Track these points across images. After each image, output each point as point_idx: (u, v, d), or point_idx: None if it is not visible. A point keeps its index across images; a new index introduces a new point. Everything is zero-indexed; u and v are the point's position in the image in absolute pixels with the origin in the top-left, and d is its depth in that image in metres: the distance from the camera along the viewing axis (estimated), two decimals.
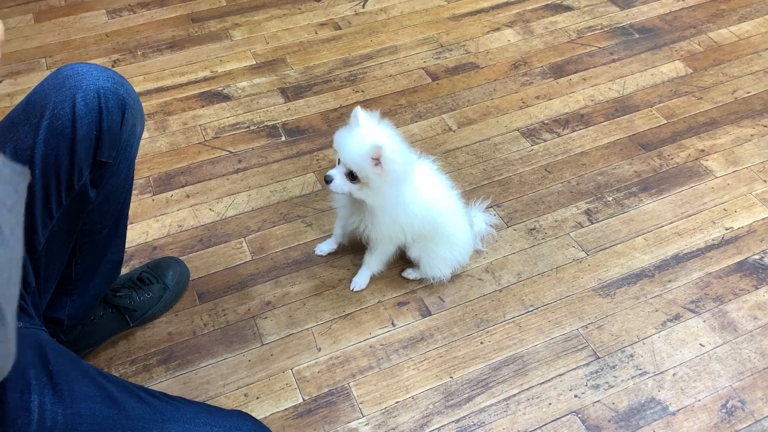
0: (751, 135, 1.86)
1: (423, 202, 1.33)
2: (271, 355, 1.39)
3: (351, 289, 1.48)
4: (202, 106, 1.98)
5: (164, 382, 1.34)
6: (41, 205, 1.07)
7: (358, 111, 1.25)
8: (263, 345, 1.41)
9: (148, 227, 1.64)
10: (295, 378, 1.35)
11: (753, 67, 2.08)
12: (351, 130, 1.25)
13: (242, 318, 1.46)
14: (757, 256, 1.56)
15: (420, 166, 1.36)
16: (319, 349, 1.40)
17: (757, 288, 1.49)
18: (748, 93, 1.99)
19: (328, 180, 1.27)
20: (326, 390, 1.33)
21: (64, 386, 0.90)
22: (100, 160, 1.09)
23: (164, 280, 1.45)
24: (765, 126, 1.88)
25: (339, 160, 1.26)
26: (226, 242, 1.61)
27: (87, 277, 1.24)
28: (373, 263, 1.45)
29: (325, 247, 1.56)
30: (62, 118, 1.03)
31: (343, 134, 1.26)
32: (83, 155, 1.06)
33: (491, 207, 1.65)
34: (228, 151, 1.84)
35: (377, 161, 1.22)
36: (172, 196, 1.72)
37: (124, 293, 1.39)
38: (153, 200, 1.70)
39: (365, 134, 1.23)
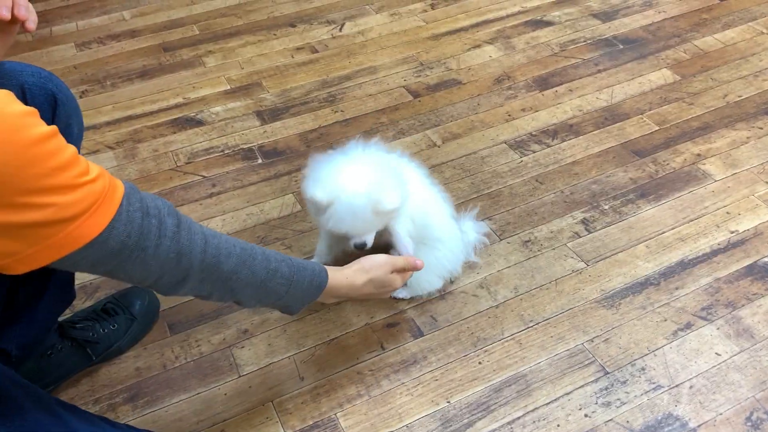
0: (748, 137, 1.79)
1: (415, 202, 1.25)
2: (250, 387, 1.26)
3: (404, 252, 1.28)
4: (174, 133, 1.89)
5: (131, 422, 1.21)
6: None
7: (317, 195, 1.14)
8: (241, 376, 1.28)
9: None
10: (276, 411, 1.22)
11: (742, 72, 2.03)
12: (334, 209, 1.15)
13: (217, 348, 1.33)
14: (767, 259, 1.46)
15: (411, 171, 1.27)
16: (302, 378, 1.27)
17: None
18: (739, 97, 1.93)
19: (362, 246, 1.21)
20: (311, 422, 1.20)
21: (15, 416, 0.79)
22: None
23: (131, 310, 1.33)
24: (761, 128, 1.81)
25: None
26: None
27: (34, 301, 1.11)
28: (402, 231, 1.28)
29: None
30: None
31: (332, 217, 1.16)
32: None
33: (482, 220, 1.55)
34: (201, 175, 1.74)
35: (389, 215, 1.18)
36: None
37: (85, 325, 1.27)
38: None
39: (358, 204, 1.14)
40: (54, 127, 0.73)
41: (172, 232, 0.83)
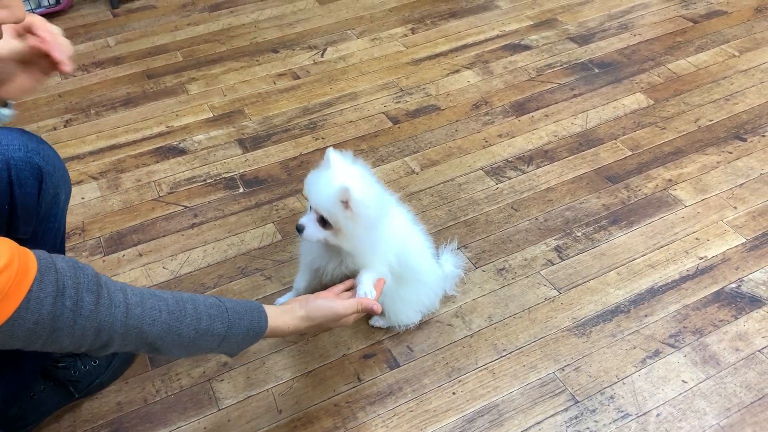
0: (718, 162, 1.83)
1: (395, 243, 1.26)
2: (228, 420, 1.29)
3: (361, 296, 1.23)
4: (157, 162, 1.92)
5: None
6: None
7: (330, 152, 1.18)
8: (220, 410, 1.31)
9: None
10: None
11: (713, 96, 2.08)
12: (321, 172, 1.18)
13: (197, 382, 1.36)
14: (734, 285, 1.50)
15: (397, 209, 1.30)
16: (280, 411, 1.30)
17: (736, 318, 1.43)
18: (710, 121, 1.98)
19: (299, 229, 1.19)
20: None
21: None
22: (17, 236, 1.00)
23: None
24: (730, 152, 1.86)
25: (310, 206, 1.19)
26: None
27: (18, 352, 1.13)
28: (367, 281, 1.23)
29: (284, 301, 1.48)
30: None
31: (313, 177, 1.18)
32: None
33: (459, 248, 1.59)
34: (183, 206, 1.77)
35: (346, 204, 1.14)
36: (123, 255, 1.63)
37: (67, 363, 1.29)
38: (104, 261, 1.61)
39: (334, 176, 1.15)
40: None
41: (89, 310, 0.85)
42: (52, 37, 0.96)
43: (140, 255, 1.63)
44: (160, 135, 2.02)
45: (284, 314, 1.11)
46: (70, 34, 2.54)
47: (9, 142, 0.96)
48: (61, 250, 1.12)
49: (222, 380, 1.36)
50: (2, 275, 0.77)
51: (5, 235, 0.97)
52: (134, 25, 2.59)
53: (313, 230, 1.19)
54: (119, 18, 2.65)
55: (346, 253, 1.25)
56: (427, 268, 1.38)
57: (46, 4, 2.59)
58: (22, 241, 1.00)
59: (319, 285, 1.38)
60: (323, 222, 1.18)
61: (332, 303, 1.15)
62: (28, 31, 0.99)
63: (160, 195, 1.81)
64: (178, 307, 0.96)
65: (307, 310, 1.13)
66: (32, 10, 2.55)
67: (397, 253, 1.28)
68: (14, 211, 0.97)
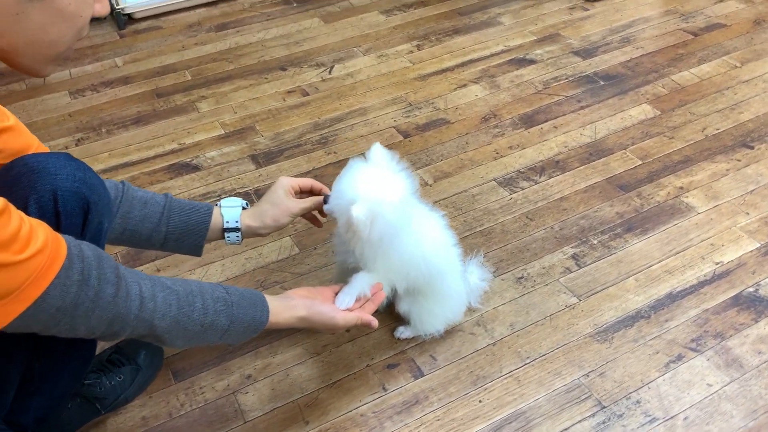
0: (727, 169, 1.86)
1: (422, 254, 1.26)
2: None
3: (336, 305, 1.22)
4: (171, 178, 1.93)
5: None
6: None
7: (375, 147, 1.19)
8: (246, 422, 1.30)
9: None
10: None
11: (718, 105, 2.11)
12: (355, 166, 1.18)
13: (222, 395, 1.35)
14: (751, 289, 1.52)
15: (428, 218, 1.30)
16: (307, 422, 1.30)
17: (756, 321, 1.44)
18: (717, 130, 2.01)
19: (325, 200, 1.25)
20: None
21: None
22: None
23: (136, 360, 1.35)
24: (739, 160, 1.88)
25: None
26: None
27: (55, 371, 1.12)
28: (361, 282, 1.23)
29: None
30: None
31: (347, 168, 1.19)
32: None
33: (483, 262, 1.59)
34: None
35: (348, 221, 1.14)
36: (141, 271, 1.63)
37: (93, 380, 1.28)
38: None
39: (355, 182, 1.15)
40: (1, 205, 0.76)
41: (106, 302, 0.87)
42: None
43: (158, 270, 1.63)
44: (172, 152, 2.03)
45: (285, 311, 1.12)
46: (78, 56, 2.56)
47: (57, 171, 0.95)
48: None
49: (247, 393, 1.35)
50: (35, 259, 0.79)
51: None
52: (141, 45, 2.61)
53: (331, 208, 1.22)
54: (126, 39, 2.67)
55: (359, 257, 1.25)
56: (453, 288, 1.38)
57: None
58: None
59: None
60: None
61: (334, 313, 1.17)
62: (308, 191, 1.33)
63: None
64: (188, 302, 0.99)
65: (309, 313, 1.14)
66: None
67: (418, 268, 1.28)
68: None
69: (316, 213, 1.36)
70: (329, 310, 1.17)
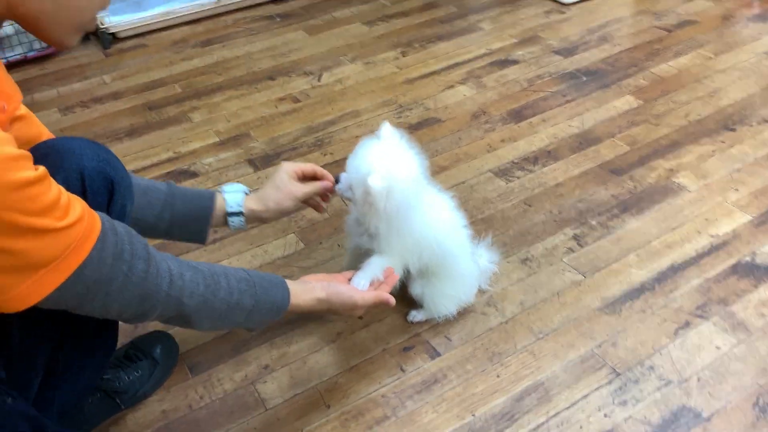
0: (713, 151, 1.92)
1: (434, 234, 1.29)
2: (278, 419, 1.28)
3: (353, 284, 1.24)
4: None
5: None
6: None
7: (385, 126, 1.22)
8: (267, 410, 1.30)
9: None
10: None
11: (698, 93, 2.19)
12: (368, 143, 1.21)
13: (240, 385, 1.35)
14: (748, 258, 1.57)
15: (438, 199, 1.33)
16: (329, 406, 1.30)
17: (756, 287, 1.49)
18: (699, 115, 2.08)
19: (337, 180, 1.25)
20: None
21: None
22: None
23: (153, 355, 1.34)
24: (723, 141, 1.95)
25: None
26: None
27: (77, 365, 1.11)
28: (375, 265, 1.26)
29: None
30: None
31: (360, 146, 1.21)
32: None
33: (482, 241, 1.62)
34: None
35: (366, 193, 1.17)
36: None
37: (111, 374, 1.27)
38: None
39: (371, 157, 1.18)
40: (41, 172, 0.78)
41: (138, 277, 0.88)
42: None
43: None
44: (169, 160, 2.04)
45: (305, 293, 1.13)
46: (64, 75, 2.56)
47: (82, 151, 0.96)
48: None
49: (265, 382, 1.35)
50: (74, 228, 0.80)
51: None
52: (128, 62, 2.63)
53: (344, 187, 1.24)
54: (111, 57, 2.68)
55: (375, 232, 1.27)
56: (465, 269, 1.41)
57: (38, 47, 2.61)
58: None
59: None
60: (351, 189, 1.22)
61: (353, 293, 1.18)
62: (311, 177, 1.32)
63: None
64: (213, 281, 1.00)
65: (328, 294, 1.15)
66: (25, 54, 2.57)
67: (432, 249, 1.31)
68: None
69: (319, 199, 1.37)
70: (347, 290, 1.19)
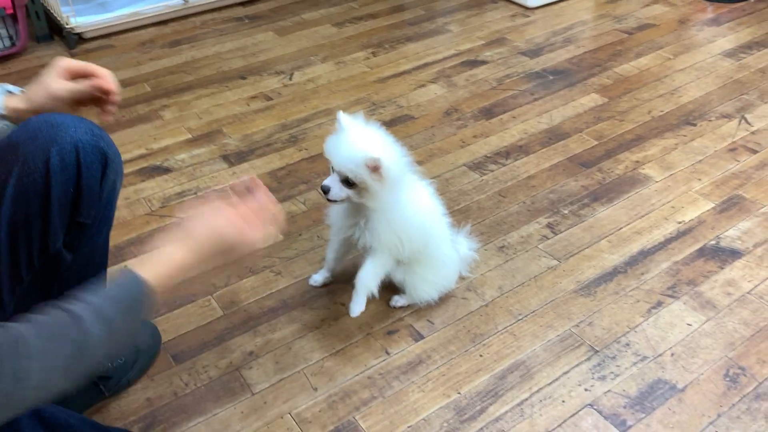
0: (676, 144, 2.00)
1: (421, 217, 1.33)
2: (265, 402, 1.28)
3: (350, 314, 1.36)
4: (143, 181, 1.91)
5: None
6: (7, 269, 0.97)
7: (341, 115, 1.24)
8: (254, 394, 1.30)
9: None
10: (295, 421, 1.25)
11: (659, 91, 2.28)
12: (339, 135, 1.23)
13: (225, 372, 1.35)
14: (713, 242, 1.64)
15: (419, 185, 1.35)
16: (316, 389, 1.31)
17: (722, 268, 1.56)
18: (662, 111, 2.16)
19: (325, 190, 1.24)
20: (332, 427, 1.23)
21: None
22: (78, 221, 1.00)
23: (135, 343, 1.33)
24: (685, 135, 2.04)
25: (332, 168, 1.23)
26: (193, 302, 1.51)
27: None
28: (367, 279, 1.35)
29: (318, 278, 1.52)
30: (34, 174, 0.94)
31: (333, 141, 1.23)
32: (58, 216, 0.97)
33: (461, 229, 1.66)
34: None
35: (374, 169, 1.20)
36: (125, 267, 1.61)
37: None
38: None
39: (355, 140, 1.21)
40: None
41: None
42: (112, 79, 1.04)
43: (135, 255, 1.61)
44: (141, 157, 2.02)
45: (159, 254, 0.86)
46: (29, 74, 2.51)
47: (76, 126, 0.96)
48: (106, 245, 1.12)
49: (251, 368, 1.35)
50: None
51: (67, 219, 0.97)
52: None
53: (337, 190, 1.24)
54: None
55: (365, 217, 1.31)
56: (446, 255, 1.44)
57: (0, 46, 2.55)
58: (85, 227, 1.00)
59: (348, 254, 1.47)
60: (347, 182, 1.23)
61: (241, 230, 0.91)
62: (82, 75, 1.05)
63: (153, 210, 1.80)
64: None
65: (187, 235, 0.88)
66: None
67: (419, 229, 1.34)
68: (80, 194, 0.97)
69: (107, 107, 1.07)
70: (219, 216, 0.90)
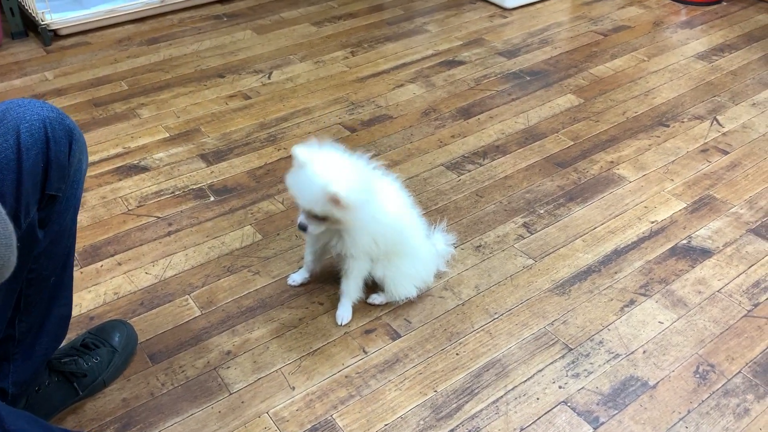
0: (649, 145, 2.04)
1: (391, 214, 1.35)
2: (242, 402, 1.29)
3: (338, 323, 1.43)
4: (120, 180, 1.90)
5: None
6: None
7: (296, 150, 1.22)
8: (231, 394, 1.30)
9: (81, 299, 1.51)
10: (273, 420, 1.25)
11: (634, 93, 2.31)
12: (297, 172, 1.23)
13: (203, 371, 1.35)
14: (685, 241, 1.67)
15: (383, 183, 1.37)
16: (293, 388, 1.31)
17: (693, 267, 1.59)
18: (636, 113, 2.20)
19: (303, 228, 1.27)
20: (309, 426, 1.24)
21: None
22: (49, 193, 1.01)
23: (111, 342, 1.32)
24: (658, 136, 2.07)
25: (299, 206, 1.25)
26: (171, 301, 1.51)
27: (32, 336, 1.11)
28: (351, 287, 1.40)
29: (297, 277, 1.53)
30: (6, 151, 0.96)
31: (293, 180, 1.24)
32: (30, 189, 0.98)
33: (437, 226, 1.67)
34: (155, 216, 1.76)
35: (336, 202, 1.21)
36: (102, 266, 1.60)
37: (70, 359, 1.25)
38: (81, 273, 1.58)
39: (313, 176, 1.20)
40: None
41: None
42: None
43: (119, 264, 1.61)
44: (118, 155, 2.01)
45: None
46: (3, 72, 2.48)
47: (42, 105, 0.98)
48: (75, 223, 1.13)
49: (228, 367, 1.35)
50: None
51: (40, 192, 0.98)
52: (70, 60, 2.57)
53: (313, 227, 1.28)
54: (53, 54, 2.61)
55: (342, 232, 1.33)
56: (422, 244, 1.46)
57: None
58: (56, 201, 1.01)
59: (324, 258, 1.48)
60: (316, 218, 1.24)
61: None
62: None
63: (130, 209, 1.79)
64: None
65: None
66: None
67: (393, 227, 1.36)
68: (49, 166, 0.98)
69: None
70: None
